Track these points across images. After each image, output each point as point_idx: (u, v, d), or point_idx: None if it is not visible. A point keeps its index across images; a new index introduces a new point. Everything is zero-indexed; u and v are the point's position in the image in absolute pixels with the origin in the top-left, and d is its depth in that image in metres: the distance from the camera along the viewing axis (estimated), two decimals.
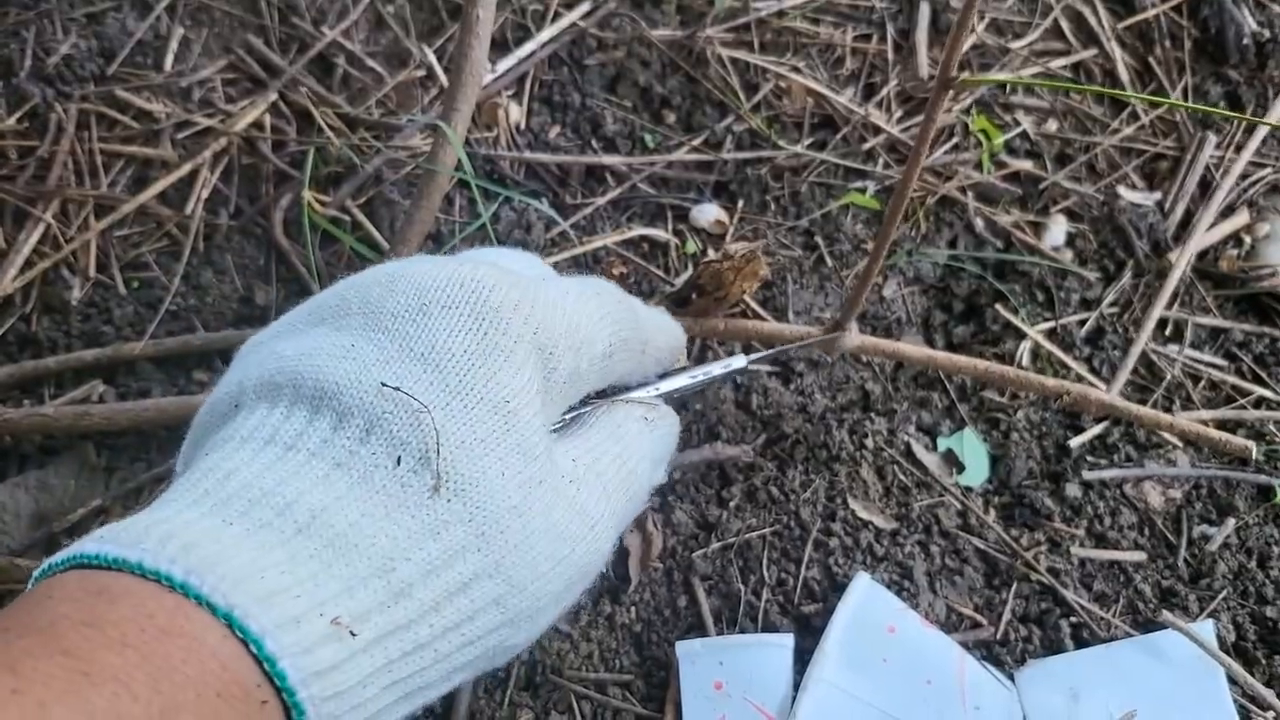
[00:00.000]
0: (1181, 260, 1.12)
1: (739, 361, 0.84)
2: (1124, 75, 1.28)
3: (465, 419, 0.52)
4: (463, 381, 0.53)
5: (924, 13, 1.28)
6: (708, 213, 1.13)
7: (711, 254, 1.12)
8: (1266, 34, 1.30)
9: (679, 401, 0.90)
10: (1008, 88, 1.27)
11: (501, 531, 0.51)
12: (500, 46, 1.25)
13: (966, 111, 1.22)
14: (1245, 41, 1.29)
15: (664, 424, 0.70)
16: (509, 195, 1.12)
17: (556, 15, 1.27)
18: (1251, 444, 0.89)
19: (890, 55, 1.26)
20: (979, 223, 1.16)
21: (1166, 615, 0.87)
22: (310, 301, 0.60)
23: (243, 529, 0.46)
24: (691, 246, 1.11)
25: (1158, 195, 1.21)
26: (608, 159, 1.16)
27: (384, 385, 0.51)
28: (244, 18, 1.26)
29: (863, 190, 1.16)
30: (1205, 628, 0.90)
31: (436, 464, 0.50)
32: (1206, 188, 1.22)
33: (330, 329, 0.56)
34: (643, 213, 1.15)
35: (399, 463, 0.50)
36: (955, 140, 1.21)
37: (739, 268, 0.95)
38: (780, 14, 1.27)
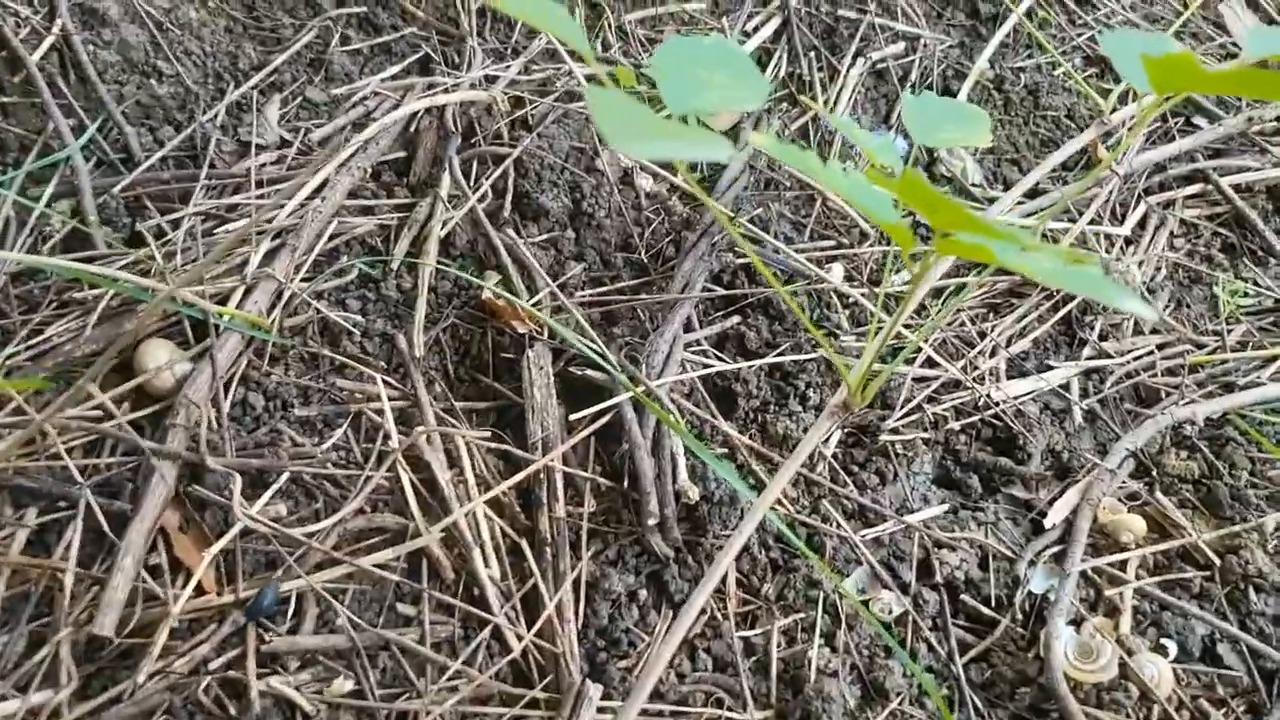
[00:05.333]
0: None
1: None
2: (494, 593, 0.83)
3: None
4: None
5: (155, 493, 0.78)
6: None
7: None
8: (695, 494, 0.89)
9: None
10: None
11: None
12: None
13: None
14: (667, 511, 0.88)
15: None
16: None
17: None
18: None
19: (70, 585, 0.75)
20: None
21: None
22: None
23: None
24: None
25: None
26: None
27: None
28: None
29: None
30: None
31: None
32: None
33: None
34: None
35: None
36: None
37: None
38: None
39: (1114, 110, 1.03)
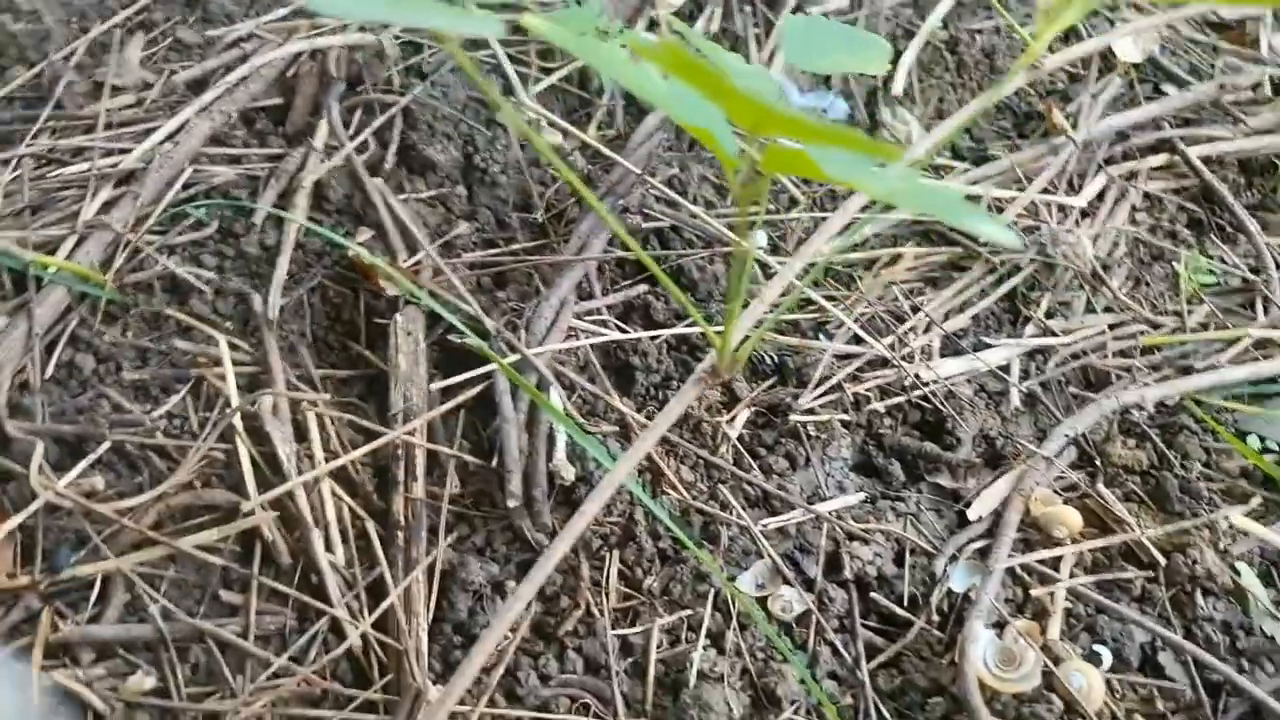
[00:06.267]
0: None
1: None
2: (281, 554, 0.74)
3: None
4: None
5: None
6: None
7: None
8: (571, 475, 0.79)
9: None
10: None
11: None
12: None
13: None
14: (536, 491, 0.78)
15: None
16: None
17: None
18: None
19: None
20: None
21: None
22: None
23: None
24: None
25: None
26: None
27: None
28: None
29: None
30: None
31: None
32: None
33: None
34: None
35: None
36: None
37: None
38: None
39: (1050, 52, 0.93)
